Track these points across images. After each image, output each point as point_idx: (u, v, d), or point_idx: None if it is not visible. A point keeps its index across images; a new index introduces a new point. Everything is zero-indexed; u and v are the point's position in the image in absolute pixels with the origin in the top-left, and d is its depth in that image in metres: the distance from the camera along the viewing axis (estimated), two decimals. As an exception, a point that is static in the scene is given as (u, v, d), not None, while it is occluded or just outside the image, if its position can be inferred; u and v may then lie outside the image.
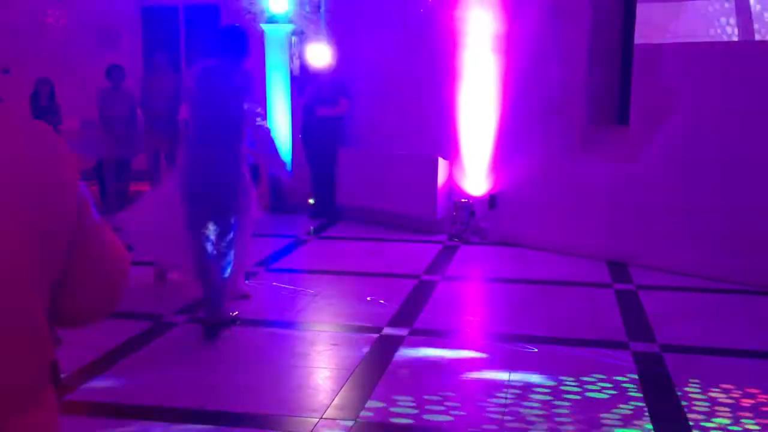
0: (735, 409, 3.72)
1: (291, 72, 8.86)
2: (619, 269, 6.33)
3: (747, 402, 3.80)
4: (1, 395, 1.06)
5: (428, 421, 3.62)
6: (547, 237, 6.95)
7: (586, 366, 4.27)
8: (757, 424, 3.58)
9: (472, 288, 6.25)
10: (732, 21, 5.80)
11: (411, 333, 4.85)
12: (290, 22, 8.79)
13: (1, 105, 1.13)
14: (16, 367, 1.09)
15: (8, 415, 1.07)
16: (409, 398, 3.84)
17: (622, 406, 3.77)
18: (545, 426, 3.55)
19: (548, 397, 3.85)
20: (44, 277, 1.12)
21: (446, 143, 7.68)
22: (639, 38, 6.36)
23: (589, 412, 3.70)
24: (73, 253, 1.17)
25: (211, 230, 4.69)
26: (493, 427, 3.54)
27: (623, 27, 6.82)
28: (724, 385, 3.98)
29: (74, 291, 1.21)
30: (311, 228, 8.16)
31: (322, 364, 4.46)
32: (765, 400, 3.81)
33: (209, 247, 4.70)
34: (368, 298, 5.34)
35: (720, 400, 3.82)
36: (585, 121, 6.80)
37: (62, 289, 1.19)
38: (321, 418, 3.63)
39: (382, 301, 5.36)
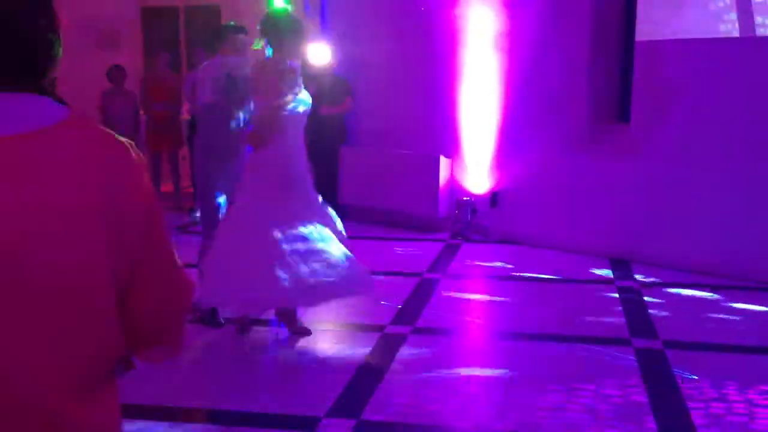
0: (738, 405, 3.72)
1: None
2: (621, 266, 6.33)
3: (750, 398, 3.80)
4: (64, 384, 1.10)
5: (431, 419, 3.62)
6: (549, 234, 6.95)
7: (589, 363, 4.27)
8: (760, 420, 3.57)
9: (474, 286, 6.24)
10: (732, 17, 5.79)
11: (413, 331, 4.85)
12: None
13: (75, 112, 1.17)
14: (81, 360, 1.12)
15: (66, 405, 1.10)
16: (412, 396, 3.84)
17: (624, 403, 3.77)
18: (548, 423, 3.55)
19: (551, 395, 3.85)
20: (114, 279, 1.15)
21: (448, 142, 7.68)
22: (640, 35, 6.35)
23: (591, 409, 3.69)
24: (137, 265, 1.20)
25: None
26: (496, 424, 3.54)
27: (624, 24, 6.81)
28: (727, 382, 3.97)
29: (131, 308, 1.22)
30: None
31: (325, 362, 4.47)
32: (768, 396, 3.82)
33: None
34: (382, 302, 5.33)
35: (723, 396, 3.82)
36: (586, 118, 6.79)
37: (121, 305, 1.21)
38: (324, 416, 3.64)
39: (383, 302, 5.35)
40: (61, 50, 1.20)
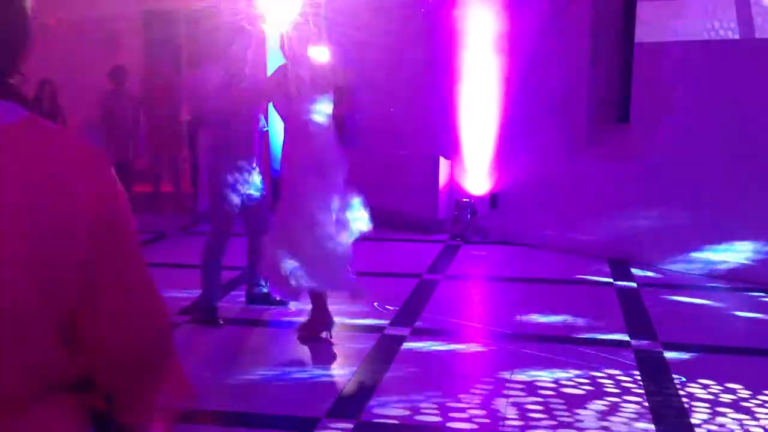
0: (737, 407, 3.73)
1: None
2: (620, 267, 6.33)
3: (749, 400, 3.80)
4: None
5: (430, 420, 3.63)
6: (549, 235, 6.95)
7: (588, 364, 4.27)
8: (759, 421, 3.58)
9: (473, 287, 6.25)
10: (732, 18, 5.80)
11: (413, 332, 4.86)
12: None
13: (32, 114, 1.09)
14: (5, 376, 1.05)
15: None
16: (411, 397, 3.85)
17: (624, 404, 3.77)
18: (548, 425, 3.56)
19: (550, 396, 3.86)
20: (47, 304, 1.05)
21: (447, 142, 7.68)
22: (639, 37, 6.36)
23: (591, 410, 3.70)
24: (92, 283, 1.08)
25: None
26: (496, 425, 3.55)
27: (624, 25, 6.82)
28: (727, 383, 3.98)
29: (89, 335, 1.10)
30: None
31: (325, 363, 4.47)
32: (767, 399, 3.82)
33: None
34: (375, 304, 5.30)
35: (722, 397, 3.83)
36: (586, 119, 6.80)
37: (78, 335, 1.09)
38: (323, 417, 3.64)
39: (389, 307, 5.34)
40: (26, 48, 1.11)
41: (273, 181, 5.92)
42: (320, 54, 4.84)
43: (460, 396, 3.88)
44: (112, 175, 1.11)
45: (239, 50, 5.01)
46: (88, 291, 1.07)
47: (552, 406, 3.74)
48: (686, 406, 3.73)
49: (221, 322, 4.97)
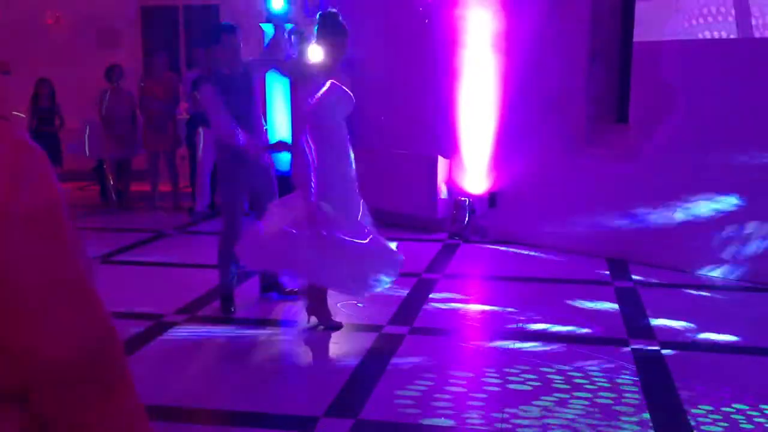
0: (735, 407, 3.73)
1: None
2: (618, 266, 6.34)
3: (748, 399, 3.81)
4: None
5: (428, 419, 3.63)
6: (547, 235, 6.95)
7: (586, 364, 4.27)
8: (757, 421, 3.59)
9: (472, 286, 6.25)
10: (731, 18, 5.80)
11: (411, 331, 4.86)
12: (289, 21, 8.80)
13: None
14: None
15: None
16: (410, 396, 3.85)
17: (622, 404, 3.77)
18: (547, 425, 3.56)
19: (549, 396, 3.86)
20: None
21: (446, 142, 7.68)
22: (638, 36, 6.36)
23: (589, 409, 3.70)
24: (3, 291, 0.98)
25: None
26: (495, 424, 3.55)
27: (622, 25, 6.83)
28: (724, 383, 3.98)
29: (12, 346, 1.00)
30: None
31: (323, 362, 4.47)
32: (765, 398, 3.82)
33: None
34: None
35: (720, 397, 3.83)
36: (584, 119, 6.80)
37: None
38: (322, 416, 3.64)
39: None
40: None
41: (278, 178, 5.97)
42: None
43: (459, 395, 3.89)
44: (40, 170, 1.01)
45: (231, 48, 5.06)
46: (5, 291, 0.98)
47: (550, 404, 3.75)
48: (684, 405, 3.73)
49: (233, 310, 5.18)
